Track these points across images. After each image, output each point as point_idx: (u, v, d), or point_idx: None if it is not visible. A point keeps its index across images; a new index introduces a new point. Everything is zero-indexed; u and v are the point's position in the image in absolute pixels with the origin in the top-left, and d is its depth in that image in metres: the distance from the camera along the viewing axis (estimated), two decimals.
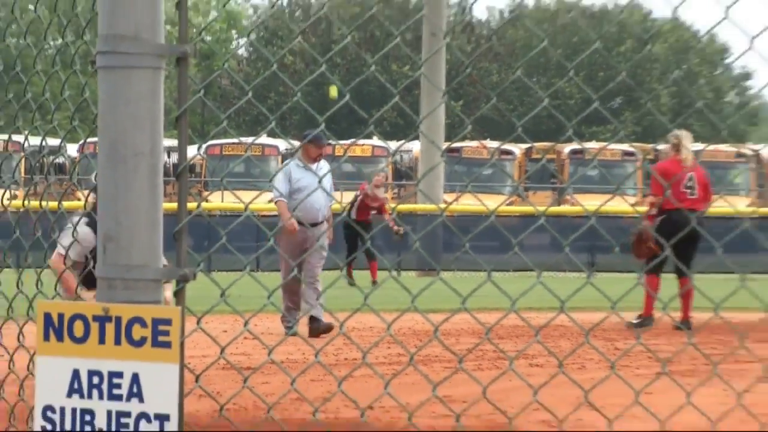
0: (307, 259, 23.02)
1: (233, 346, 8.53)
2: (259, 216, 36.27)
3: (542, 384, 9.62)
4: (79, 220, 13.33)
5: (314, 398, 12.41)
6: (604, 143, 55.40)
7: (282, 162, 50.56)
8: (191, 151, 51.36)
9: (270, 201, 24.71)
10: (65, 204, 8.53)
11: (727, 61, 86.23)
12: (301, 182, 23.18)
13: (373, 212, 33.00)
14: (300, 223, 22.41)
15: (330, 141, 23.86)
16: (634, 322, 24.66)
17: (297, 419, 13.10)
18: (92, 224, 13.45)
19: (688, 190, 25.25)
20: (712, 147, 51.66)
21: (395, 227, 32.93)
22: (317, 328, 23.03)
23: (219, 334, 8.16)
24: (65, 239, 13.53)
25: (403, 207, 45.97)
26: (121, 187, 6.73)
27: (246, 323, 7.67)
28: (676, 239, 9.75)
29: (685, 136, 26.25)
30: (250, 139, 54.20)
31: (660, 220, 24.41)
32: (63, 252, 13.41)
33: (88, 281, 13.47)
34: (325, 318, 23.08)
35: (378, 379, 9.83)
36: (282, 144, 51.18)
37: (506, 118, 53.32)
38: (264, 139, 51.53)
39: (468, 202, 44.82)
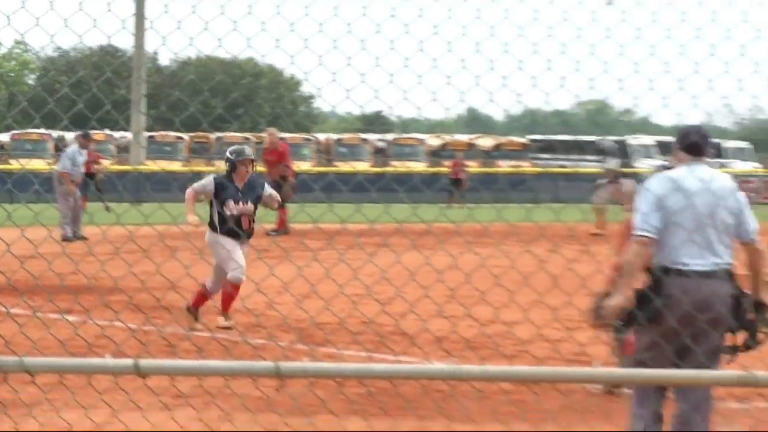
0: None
1: (17, 245, 8.23)
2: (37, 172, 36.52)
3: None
4: (211, 176, 12.70)
5: (87, 273, 12.02)
6: (233, 133, 55.10)
7: (54, 144, 50.02)
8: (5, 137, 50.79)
9: (57, 169, 24.86)
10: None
11: (300, 88, 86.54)
12: (80, 160, 24.43)
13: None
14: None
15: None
16: (271, 232, 24.51)
17: (48, 284, 12.74)
18: (217, 179, 12.61)
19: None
20: (289, 135, 52.29)
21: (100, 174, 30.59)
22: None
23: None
24: (197, 184, 12.52)
25: (125, 168, 44.95)
26: None
27: (23, 232, 7.40)
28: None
29: (274, 131, 26.72)
30: (38, 131, 53.07)
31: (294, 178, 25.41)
32: (195, 187, 12.44)
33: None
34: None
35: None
36: (54, 133, 50.87)
37: (174, 121, 52.56)
38: (43, 131, 51.41)
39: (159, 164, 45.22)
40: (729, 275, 6.71)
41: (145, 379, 5.96)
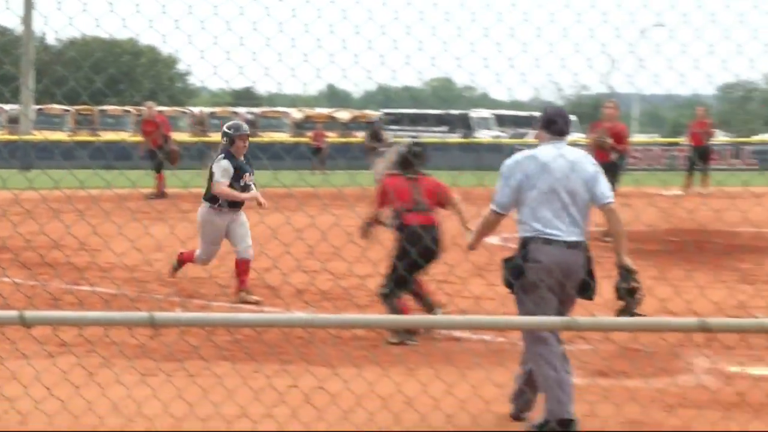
0: None
1: None
2: None
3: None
4: (219, 158, 11.23)
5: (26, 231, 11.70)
6: (114, 106, 54.12)
7: None
8: None
9: None
10: None
11: (177, 66, 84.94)
12: None
13: None
14: None
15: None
16: (150, 196, 23.55)
17: None
18: (228, 157, 11.55)
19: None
20: (167, 108, 51.46)
21: None
22: None
23: None
24: (218, 175, 11.13)
25: (13, 138, 43.73)
26: None
27: None
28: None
29: (152, 105, 26.08)
30: None
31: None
32: (223, 181, 11.08)
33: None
34: None
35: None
36: None
37: (57, 94, 51.20)
38: None
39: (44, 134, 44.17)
40: (584, 246, 6.59)
41: (30, 329, 5.86)
